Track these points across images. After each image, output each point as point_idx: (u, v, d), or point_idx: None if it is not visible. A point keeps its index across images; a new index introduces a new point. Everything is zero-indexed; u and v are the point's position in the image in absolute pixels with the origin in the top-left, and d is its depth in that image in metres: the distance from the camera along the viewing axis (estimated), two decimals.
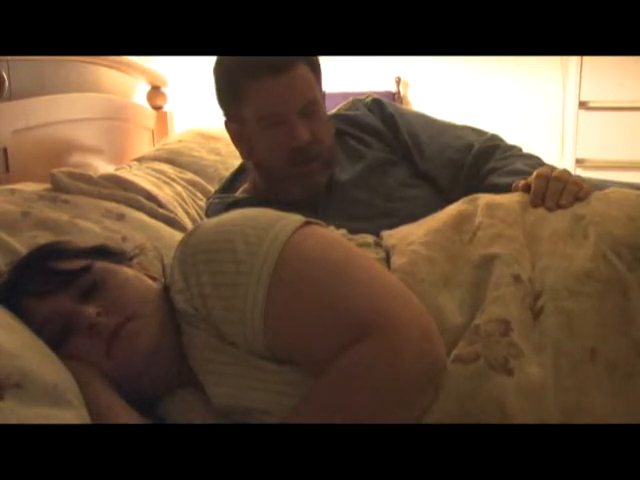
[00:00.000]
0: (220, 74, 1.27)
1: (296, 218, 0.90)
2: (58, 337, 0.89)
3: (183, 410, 0.92)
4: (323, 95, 1.34)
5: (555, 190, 1.00)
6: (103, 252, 1.01)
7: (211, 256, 0.86)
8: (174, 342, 0.91)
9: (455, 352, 0.81)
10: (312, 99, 1.24)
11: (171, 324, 0.92)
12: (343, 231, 1.04)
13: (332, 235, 0.94)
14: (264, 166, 1.29)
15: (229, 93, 1.26)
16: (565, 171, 1.08)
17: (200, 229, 0.91)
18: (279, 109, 1.21)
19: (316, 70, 1.27)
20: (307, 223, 0.90)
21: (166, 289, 0.95)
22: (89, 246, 1.01)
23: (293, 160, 1.24)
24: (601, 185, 1.13)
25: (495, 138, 1.39)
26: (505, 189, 1.15)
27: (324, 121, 1.28)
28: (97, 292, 0.92)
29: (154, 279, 1.01)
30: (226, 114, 1.31)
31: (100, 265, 0.95)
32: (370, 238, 1.02)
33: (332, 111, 1.46)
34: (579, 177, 1.20)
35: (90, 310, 0.89)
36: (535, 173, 1.06)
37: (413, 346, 0.78)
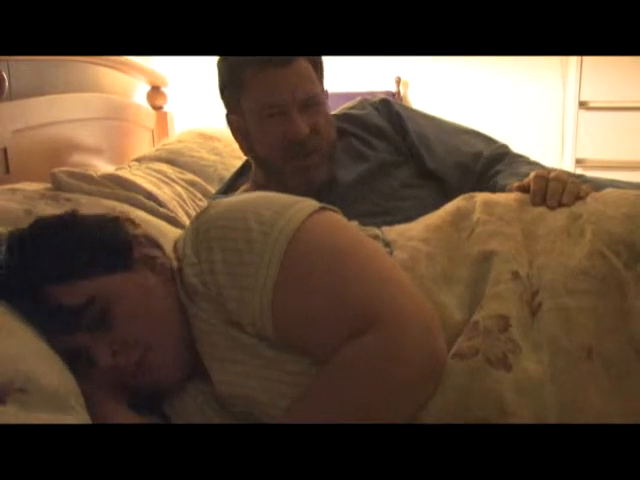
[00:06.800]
0: (223, 66, 1.28)
1: (312, 203, 0.91)
2: (76, 364, 0.87)
3: (189, 409, 0.92)
4: (326, 94, 1.34)
5: (556, 190, 1.00)
6: (104, 263, 0.90)
7: (224, 233, 0.86)
8: (191, 349, 0.91)
9: (455, 347, 0.82)
10: (313, 94, 1.25)
11: (186, 323, 0.91)
12: (355, 223, 1.04)
13: (345, 223, 0.95)
14: (263, 159, 1.30)
15: (231, 84, 1.27)
16: (563, 172, 1.08)
17: (215, 206, 0.91)
18: (279, 100, 1.22)
19: (318, 68, 1.29)
20: (322, 209, 0.91)
21: (173, 278, 0.93)
22: (89, 255, 0.90)
23: (291, 153, 1.25)
24: (607, 184, 1.13)
25: (504, 147, 1.40)
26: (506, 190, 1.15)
27: (325, 117, 1.29)
28: (107, 325, 0.88)
29: (156, 268, 0.94)
30: (227, 106, 1.32)
31: (103, 290, 0.88)
32: (378, 231, 1.03)
33: (338, 110, 1.46)
34: (582, 176, 1.20)
35: (105, 352, 0.87)
36: (533, 174, 1.06)
37: (416, 339, 0.79)
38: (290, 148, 1.24)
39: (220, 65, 1.29)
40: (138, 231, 0.98)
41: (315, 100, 1.26)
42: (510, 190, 1.10)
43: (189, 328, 0.91)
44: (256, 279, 0.83)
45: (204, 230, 0.88)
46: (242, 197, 0.93)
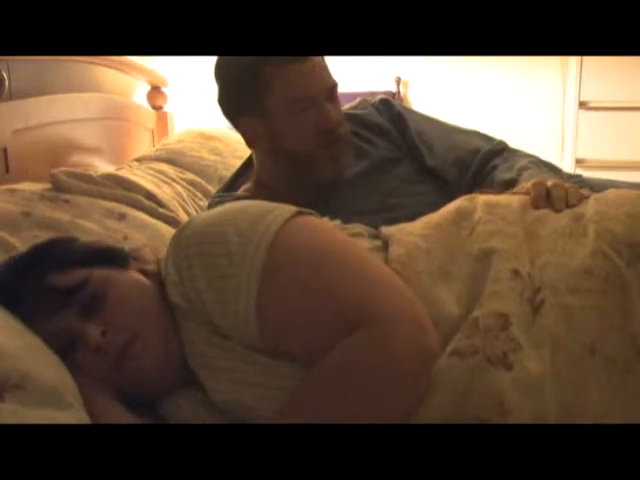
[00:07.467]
0: (236, 69, 1.26)
1: (288, 208, 0.90)
2: (64, 353, 0.88)
3: (184, 412, 0.92)
4: None
5: (560, 195, 1.00)
6: (101, 257, 0.96)
7: (204, 249, 0.86)
8: (179, 346, 0.91)
9: (453, 345, 0.81)
10: (334, 83, 1.30)
11: (174, 326, 0.92)
12: (337, 222, 1.04)
13: (325, 225, 0.94)
14: (293, 155, 1.29)
15: (250, 85, 1.26)
16: (559, 179, 1.09)
17: (192, 222, 0.91)
18: (311, 92, 1.25)
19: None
20: (299, 213, 0.91)
21: (162, 285, 0.94)
22: (88, 250, 0.97)
23: (324, 141, 1.27)
24: (607, 184, 1.14)
25: (502, 143, 1.41)
26: (505, 184, 1.16)
27: (341, 105, 1.34)
28: (98, 307, 0.89)
29: (149, 274, 0.98)
30: (242, 110, 1.30)
31: (98, 276, 0.91)
32: (362, 228, 1.03)
33: None
34: (579, 176, 1.20)
35: (94, 331, 0.88)
36: (531, 182, 1.07)
37: (405, 336, 0.79)
38: (324, 137, 1.27)
39: (232, 70, 1.27)
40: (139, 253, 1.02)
41: (336, 89, 1.31)
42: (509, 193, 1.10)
43: (178, 334, 0.91)
44: (238, 292, 0.83)
45: (184, 247, 0.88)
46: (220, 210, 0.93)
